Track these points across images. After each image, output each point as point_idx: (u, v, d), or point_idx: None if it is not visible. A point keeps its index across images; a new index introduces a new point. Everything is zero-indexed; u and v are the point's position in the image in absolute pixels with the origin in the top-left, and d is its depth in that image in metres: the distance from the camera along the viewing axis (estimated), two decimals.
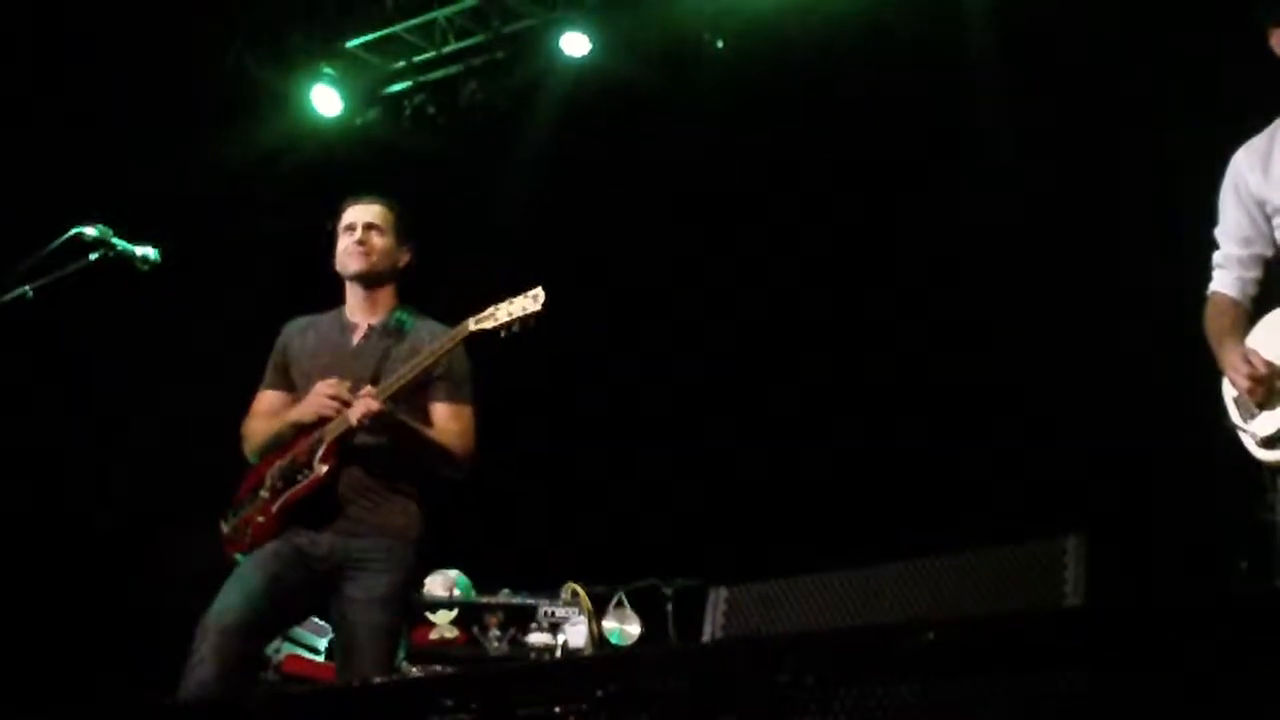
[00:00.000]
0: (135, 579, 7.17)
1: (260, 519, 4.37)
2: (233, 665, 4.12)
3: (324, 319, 4.63)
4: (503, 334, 4.30)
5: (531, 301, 4.24)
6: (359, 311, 4.58)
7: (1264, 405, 3.57)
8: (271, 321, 4.77)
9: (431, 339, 4.39)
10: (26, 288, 4.11)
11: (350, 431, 4.28)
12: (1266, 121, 3.80)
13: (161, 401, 7.59)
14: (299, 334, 4.63)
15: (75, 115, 7.33)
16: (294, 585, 4.29)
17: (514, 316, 4.25)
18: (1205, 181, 3.94)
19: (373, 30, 8.35)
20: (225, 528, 4.48)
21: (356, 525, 4.31)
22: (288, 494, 4.33)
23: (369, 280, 4.56)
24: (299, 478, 4.33)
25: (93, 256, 4.24)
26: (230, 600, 4.21)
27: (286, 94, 8.42)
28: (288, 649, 5.55)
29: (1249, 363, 3.58)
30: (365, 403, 4.20)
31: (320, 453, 4.31)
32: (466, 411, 4.44)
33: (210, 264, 7.59)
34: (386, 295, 4.60)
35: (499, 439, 7.10)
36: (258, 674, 4.74)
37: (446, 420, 4.39)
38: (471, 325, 4.30)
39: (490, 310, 4.28)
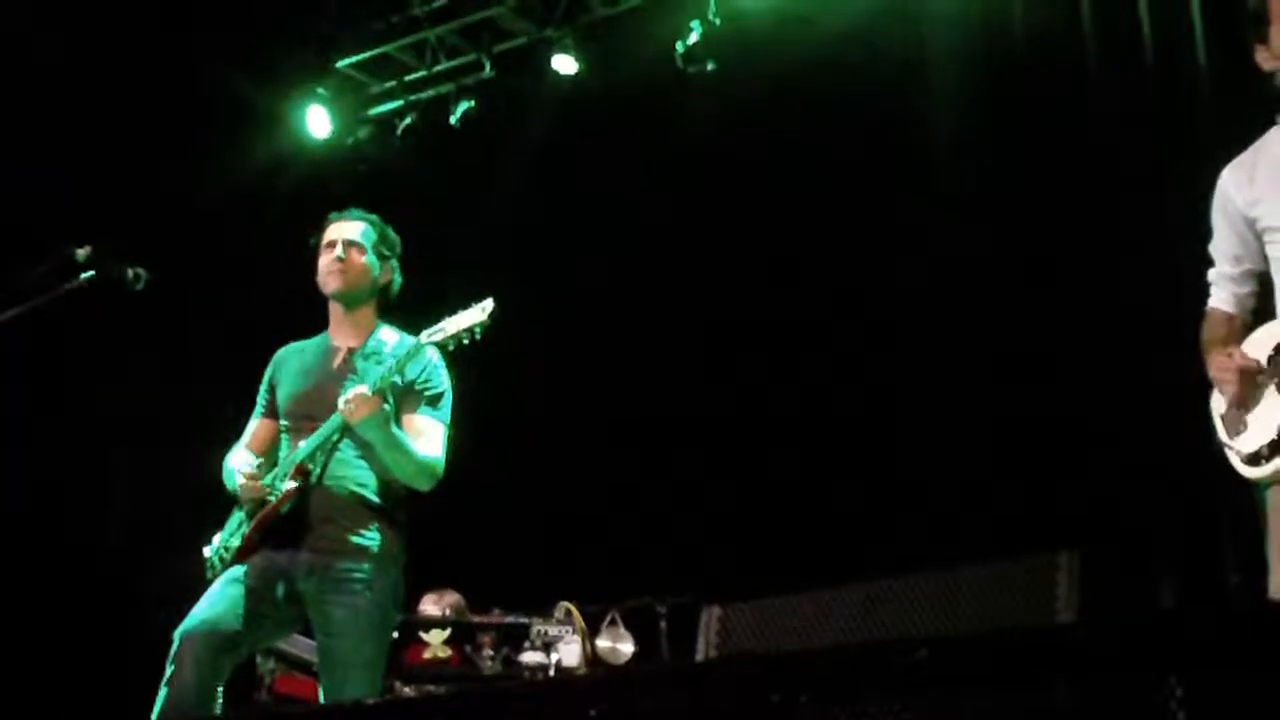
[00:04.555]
0: (133, 600, 7.15)
1: (236, 543, 4.37)
2: (209, 675, 4.10)
3: (310, 344, 4.63)
4: (451, 346, 4.29)
5: (479, 313, 4.23)
6: (340, 333, 4.58)
7: (1240, 413, 3.58)
8: (266, 342, 4.76)
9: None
10: (17, 309, 4.11)
11: (311, 458, 4.29)
12: (1252, 139, 3.82)
13: (158, 420, 7.58)
14: (286, 361, 4.63)
15: (66, 136, 7.32)
16: (272, 600, 4.28)
17: (462, 328, 4.24)
18: (1197, 192, 3.95)
19: (363, 50, 8.37)
20: (208, 552, 4.48)
21: (335, 544, 4.29)
22: (260, 515, 4.33)
23: (348, 299, 4.56)
24: (269, 499, 4.33)
25: (84, 276, 4.25)
26: (207, 611, 4.20)
27: (277, 115, 8.43)
28: (281, 669, 5.53)
29: (1231, 357, 3.59)
30: (357, 390, 4.19)
31: (290, 472, 4.31)
32: (438, 427, 4.43)
33: (204, 285, 7.59)
34: (367, 314, 4.59)
35: (492, 457, 7.14)
36: (233, 683, 4.70)
37: (417, 433, 4.38)
38: (423, 339, 4.30)
39: (441, 323, 4.28)
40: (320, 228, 4.62)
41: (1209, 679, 2.11)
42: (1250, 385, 3.58)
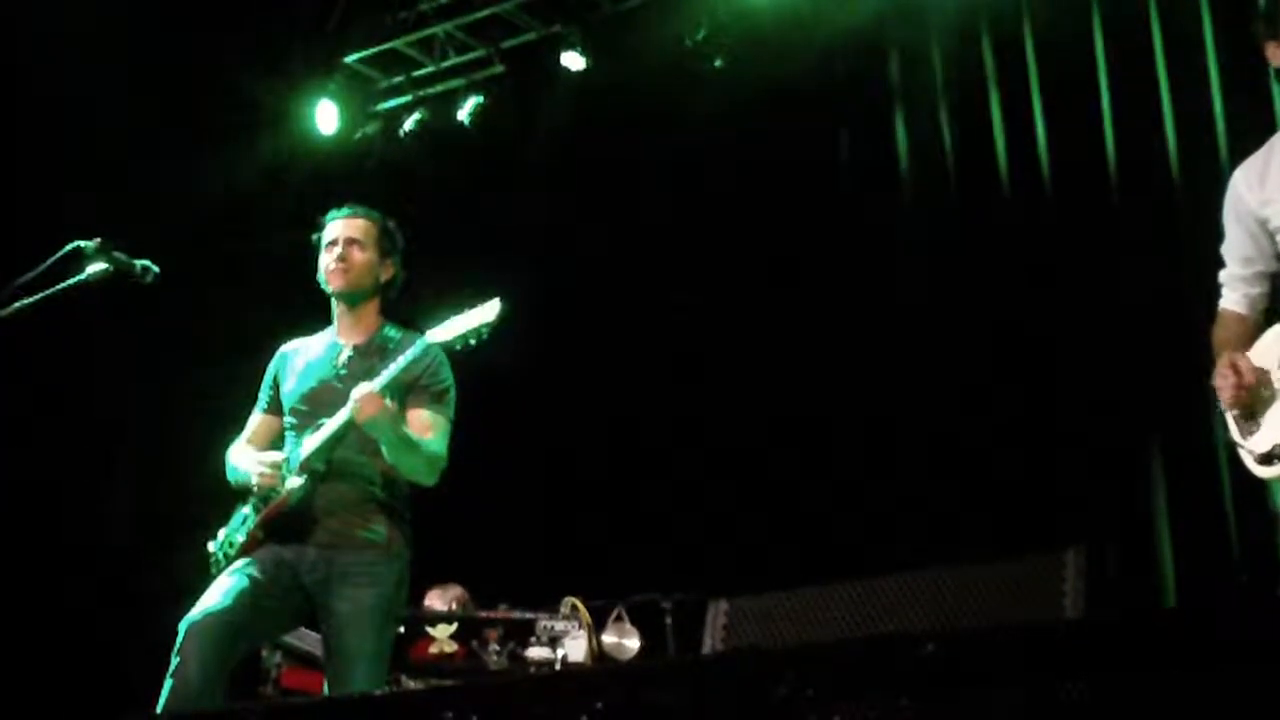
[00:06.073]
0: (136, 596, 7.16)
1: (241, 539, 4.38)
2: (214, 667, 4.10)
3: (313, 341, 4.63)
4: (459, 346, 4.28)
5: (487, 312, 4.22)
6: (343, 330, 4.57)
7: (1252, 414, 3.58)
8: (269, 338, 4.76)
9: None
10: (25, 301, 4.11)
11: (318, 455, 4.30)
12: (1263, 138, 3.82)
13: (164, 416, 7.59)
14: (289, 358, 4.62)
15: (70, 134, 7.33)
16: (278, 593, 4.28)
17: (470, 328, 4.23)
18: (1207, 194, 3.96)
19: (372, 45, 8.37)
20: (212, 547, 4.48)
21: (340, 539, 4.30)
22: (266, 510, 4.34)
23: (350, 296, 4.55)
24: (273, 495, 4.34)
25: (92, 270, 4.25)
26: (212, 603, 4.20)
27: (286, 110, 8.44)
28: (287, 662, 5.54)
29: (1234, 368, 3.58)
30: (365, 388, 4.19)
31: (295, 468, 4.32)
32: (442, 422, 4.42)
33: (207, 282, 7.59)
34: (370, 311, 4.58)
35: (499, 454, 7.14)
36: (239, 677, 4.70)
37: (422, 428, 4.38)
38: (430, 338, 4.30)
39: (448, 322, 4.27)
40: (320, 225, 4.62)
41: (1215, 678, 2.11)
42: (1257, 389, 3.57)
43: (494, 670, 5.28)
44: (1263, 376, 3.58)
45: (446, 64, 8.31)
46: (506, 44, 8.11)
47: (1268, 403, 3.57)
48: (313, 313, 4.71)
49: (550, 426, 7.78)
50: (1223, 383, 3.61)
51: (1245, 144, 3.89)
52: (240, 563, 4.32)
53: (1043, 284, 6.81)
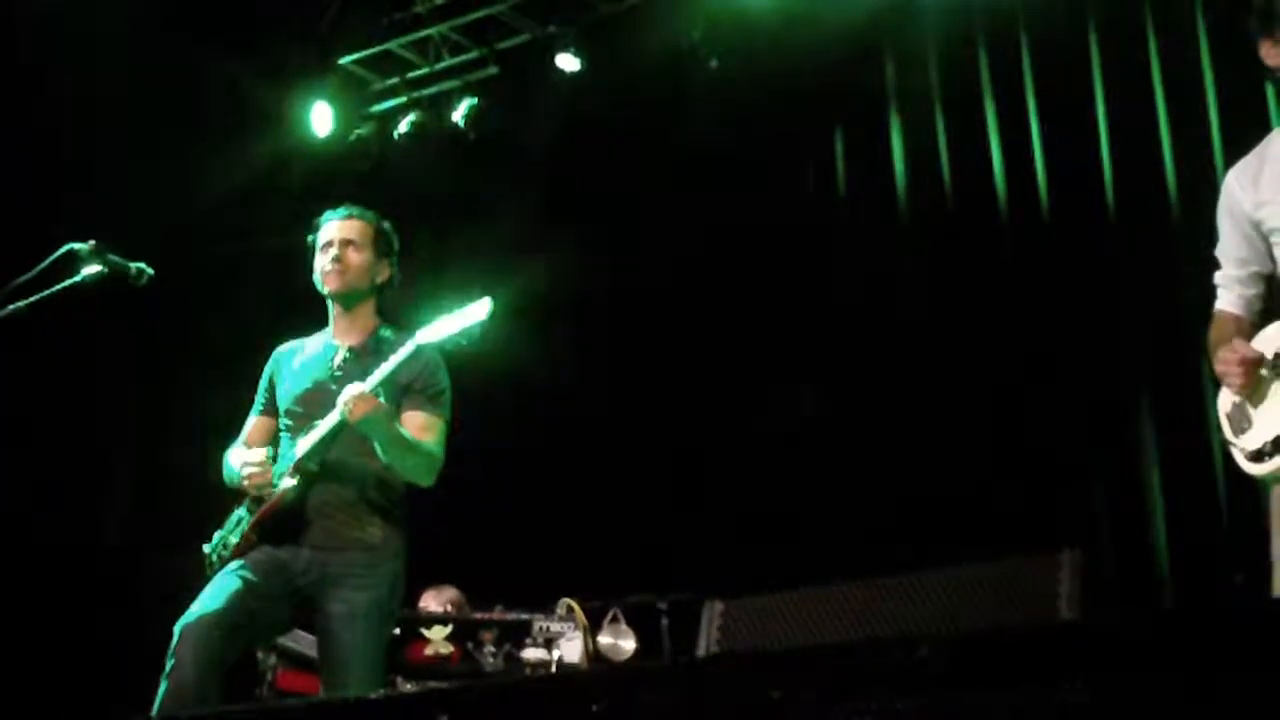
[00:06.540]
0: (132, 597, 7.15)
1: (235, 540, 4.38)
2: (209, 668, 4.10)
3: (309, 343, 4.63)
4: (450, 346, 4.28)
5: (478, 312, 4.22)
6: (339, 331, 4.58)
7: (1250, 401, 3.58)
8: (266, 341, 4.77)
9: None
10: (20, 303, 4.12)
11: (311, 456, 4.30)
12: (1257, 138, 3.82)
13: (164, 416, 7.59)
14: (285, 359, 4.63)
15: (67, 133, 7.32)
16: (273, 594, 4.29)
17: (461, 328, 4.23)
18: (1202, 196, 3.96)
19: (366, 47, 8.37)
20: (206, 549, 4.48)
21: (334, 540, 4.31)
22: (260, 512, 4.34)
23: (346, 298, 4.56)
24: (266, 497, 4.34)
25: (86, 272, 4.25)
26: (207, 604, 4.20)
27: (280, 111, 8.43)
28: (282, 664, 5.53)
29: (1234, 350, 3.59)
30: (355, 389, 4.19)
31: (288, 469, 4.32)
32: (438, 423, 4.43)
33: (205, 284, 7.59)
34: (366, 312, 4.59)
35: (494, 454, 7.14)
36: (235, 679, 4.70)
37: (418, 429, 4.38)
38: (420, 339, 4.30)
39: (438, 323, 4.27)
40: (316, 226, 4.62)
41: (1212, 678, 2.11)
42: (1255, 379, 3.57)
43: (489, 672, 5.28)
44: (1260, 355, 3.58)
45: (441, 65, 8.31)
46: (501, 45, 8.11)
47: (1260, 398, 3.57)
48: (310, 314, 4.71)
49: (546, 427, 7.78)
50: (1226, 367, 3.61)
51: (1241, 144, 3.90)
52: (234, 564, 4.32)
53: (1041, 283, 6.81)
